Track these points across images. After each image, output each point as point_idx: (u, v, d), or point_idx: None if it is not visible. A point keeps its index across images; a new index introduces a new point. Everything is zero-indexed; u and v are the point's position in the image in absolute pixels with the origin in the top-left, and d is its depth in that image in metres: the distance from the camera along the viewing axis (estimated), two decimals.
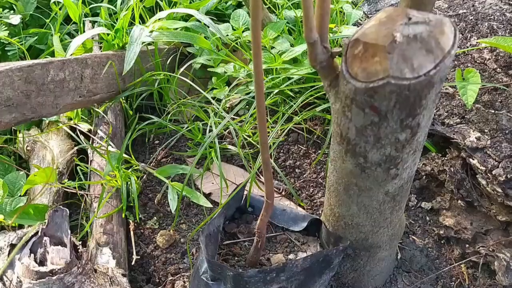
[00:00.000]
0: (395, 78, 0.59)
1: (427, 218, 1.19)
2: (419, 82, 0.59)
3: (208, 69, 1.50)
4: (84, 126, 1.38)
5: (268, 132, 1.28)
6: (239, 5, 1.72)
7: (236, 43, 1.48)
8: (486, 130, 1.05)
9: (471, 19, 1.19)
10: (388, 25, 0.62)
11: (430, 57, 0.59)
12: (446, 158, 1.15)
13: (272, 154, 1.35)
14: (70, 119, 1.40)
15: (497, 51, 1.13)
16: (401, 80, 0.59)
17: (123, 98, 1.43)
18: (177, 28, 1.38)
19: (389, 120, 0.65)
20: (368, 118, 0.66)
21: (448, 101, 1.13)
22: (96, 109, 1.38)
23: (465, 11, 1.22)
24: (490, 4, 1.21)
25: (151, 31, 1.22)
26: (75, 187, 1.25)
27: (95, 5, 1.53)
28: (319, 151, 1.33)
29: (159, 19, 1.25)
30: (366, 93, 0.63)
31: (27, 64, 0.97)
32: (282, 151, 1.36)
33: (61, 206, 0.92)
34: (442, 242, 1.17)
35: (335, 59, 0.72)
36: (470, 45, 1.16)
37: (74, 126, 1.39)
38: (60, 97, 1.11)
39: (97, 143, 1.33)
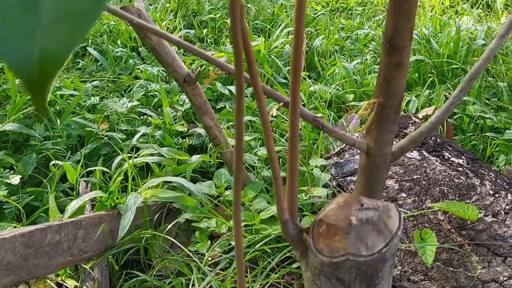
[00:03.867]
0: (353, 255, 0.71)
1: None
2: (373, 258, 0.71)
3: (192, 224, 1.61)
4: (71, 283, 1.42)
5: None
6: (221, 164, 1.90)
7: (218, 200, 1.62)
8: (447, 287, 1.15)
9: (425, 184, 1.37)
10: (345, 209, 0.75)
11: (381, 237, 0.72)
12: None
13: None
14: (58, 275, 1.45)
15: (449, 213, 1.28)
16: (358, 257, 0.71)
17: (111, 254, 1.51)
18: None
19: None
20: (335, 287, 0.76)
21: (411, 259, 1.25)
22: (84, 266, 1.44)
23: (418, 176, 1.40)
24: (440, 170, 1.40)
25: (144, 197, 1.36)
26: None
27: (91, 168, 1.69)
28: None
29: (148, 187, 1.40)
30: (331, 266, 0.74)
31: (28, 230, 1.07)
32: None
33: None
34: None
35: (304, 234, 0.84)
36: (426, 207, 1.31)
37: (61, 282, 1.43)
38: (53, 258, 1.18)
39: None
